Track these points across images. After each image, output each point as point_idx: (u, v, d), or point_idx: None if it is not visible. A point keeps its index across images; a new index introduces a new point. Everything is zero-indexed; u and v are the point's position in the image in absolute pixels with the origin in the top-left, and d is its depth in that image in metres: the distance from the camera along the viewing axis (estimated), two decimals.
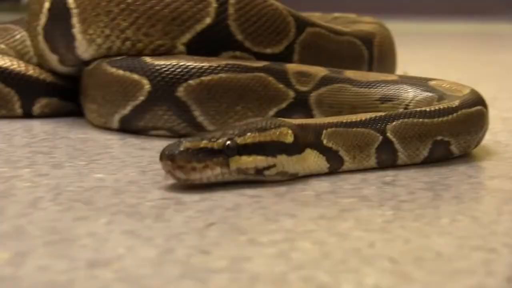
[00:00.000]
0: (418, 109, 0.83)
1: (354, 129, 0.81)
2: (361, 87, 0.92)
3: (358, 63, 1.09)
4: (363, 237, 0.61)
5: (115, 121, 0.96)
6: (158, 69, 0.92)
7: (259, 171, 0.74)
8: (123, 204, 0.69)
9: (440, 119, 0.82)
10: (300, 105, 0.91)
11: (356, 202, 0.71)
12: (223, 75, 0.91)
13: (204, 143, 0.71)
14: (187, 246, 0.59)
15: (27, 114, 1.13)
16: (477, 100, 0.86)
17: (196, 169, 0.70)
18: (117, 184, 0.77)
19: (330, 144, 0.80)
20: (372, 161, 0.82)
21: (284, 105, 0.92)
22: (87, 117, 1.04)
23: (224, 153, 0.71)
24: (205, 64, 0.92)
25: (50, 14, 0.99)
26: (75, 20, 0.97)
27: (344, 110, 0.91)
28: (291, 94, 0.92)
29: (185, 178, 0.70)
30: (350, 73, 0.94)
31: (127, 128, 0.95)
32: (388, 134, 0.81)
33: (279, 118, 0.78)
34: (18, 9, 4.45)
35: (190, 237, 0.61)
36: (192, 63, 0.92)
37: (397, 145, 0.82)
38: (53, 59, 1.03)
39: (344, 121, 0.82)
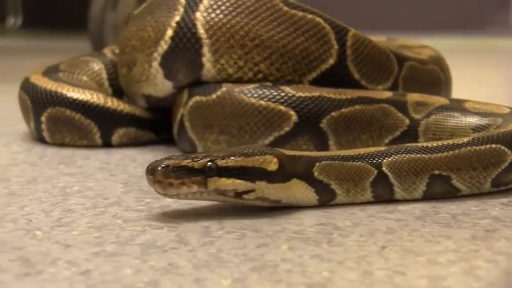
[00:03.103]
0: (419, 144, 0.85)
1: (350, 162, 0.83)
2: (465, 116, 0.97)
3: (438, 89, 1.16)
4: None
5: None
6: (304, 101, 0.97)
7: (238, 194, 0.76)
8: (289, 231, 0.74)
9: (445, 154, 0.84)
10: (411, 133, 0.97)
11: (493, 222, 0.77)
12: (357, 107, 0.97)
13: (185, 162, 0.75)
14: (380, 268, 0.64)
15: (106, 144, 1.17)
16: None
17: (173, 185, 0.74)
18: (264, 211, 0.81)
19: (321, 177, 0.81)
20: (368, 195, 0.83)
21: (398, 133, 0.98)
22: (198, 148, 1.06)
23: (203, 173, 0.75)
24: (343, 97, 0.97)
25: (174, 42, 1.03)
26: (205, 50, 1.02)
27: (443, 137, 0.97)
28: (406, 122, 0.98)
29: (163, 192, 0.75)
30: (469, 103, 0.99)
31: None
32: (384, 168, 0.83)
33: (271, 147, 0.81)
34: (3, 31, 4.44)
35: (375, 259, 0.66)
36: (332, 95, 0.97)
37: (392, 179, 0.84)
38: (164, 85, 1.07)
39: (341, 154, 0.84)
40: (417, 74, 1.11)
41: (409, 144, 0.85)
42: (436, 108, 0.98)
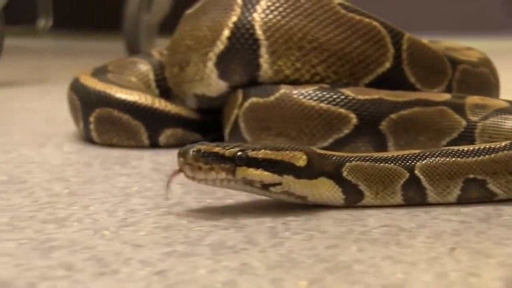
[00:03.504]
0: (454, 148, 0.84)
1: (381, 164, 0.82)
2: None
3: (489, 91, 1.16)
4: None
5: None
6: (364, 104, 0.97)
7: (264, 186, 0.78)
8: (355, 232, 0.74)
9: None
10: (468, 135, 0.97)
11: None
12: (415, 109, 0.97)
13: (217, 149, 0.76)
14: (453, 270, 0.64)
15: (154, 145, 1.18)
16: None
17: (202, 169, 0.75)
18: (328, 213, 0.81)
19: (350, 177, 0.81)
20: (398, 198, 0.83)
21: (455, 134, 0.97)
22: None
23: (233, 161, 0.76)
24: (401, 99, 0.97)
25: (230, 43, 1.04)
26: (263, 51, 1.02)
27: (499, 140, 0.96)
28: (463, 123, 0.97)
29: (191, 175, 0.76)
30: None
31: None
32: (416, 172, 0.82)
33: (303, 145, 0.82)
34: (34, 32, 4.48)
35: (446, 261, 0.66)
36: (391, 98, 0.97)
37: (425, 183, 0.83)
38: (218, 85, 1.08)
39: (373, 156, 0.83)
40: (470, 77, 1.11)
41: (444, 148, 0.85)
42: (495, 110, 0.97)
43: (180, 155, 0.76)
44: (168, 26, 3.26)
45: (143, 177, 0.99)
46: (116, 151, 1.16)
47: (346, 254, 0.68)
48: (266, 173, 0.77)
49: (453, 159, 0.83)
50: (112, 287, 0.60)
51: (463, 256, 0.67)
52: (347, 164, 0.82)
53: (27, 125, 1.40)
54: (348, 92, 0.98)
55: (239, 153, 0.76)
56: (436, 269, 0.64)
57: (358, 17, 1.02)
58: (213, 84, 1.08)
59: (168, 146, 1.19)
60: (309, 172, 0.79)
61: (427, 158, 0.83)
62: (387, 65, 1.02)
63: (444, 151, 0.83)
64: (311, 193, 0.80)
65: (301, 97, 1.00)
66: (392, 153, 0.85)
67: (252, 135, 1.05)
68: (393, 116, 0.97)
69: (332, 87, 1.00)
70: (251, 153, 0.77)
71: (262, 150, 0.78)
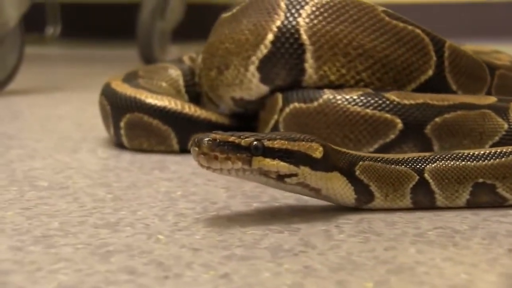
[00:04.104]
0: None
1: (392, 166, 0.82)
2: None
3: None
4: None
5: None
6: (409, 109, 0.97)
7: (280, 176, 0.76)
8: (410, 234, 0.75)
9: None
10: (509, 138, 0.97)
11: None
12: (459, 112, 0.97)
13: (232, 138, 0.75)
14: None
15: (183, 150, 1.18)
16: None
17: (218, 158, 0.74)
18: (378, 215, 0.81)
19: (362, 177, 0.80)
20: (407, 201, 0.82)
21: (497, 138, 0.97)
22: None
23: (249, 151, 0.75)
24: (445, 103, 0.98)
25: (274, 47, 1.04)
26: (308, 56, 1.02)
27: None
28: (505, 127, 0.97)
29: (206, 165, 0.74)
30: None
31: None
32: (425, 175, 0.82)
33: (317, 137, 0.80)
34: (42, 41, 4.48)
35: (507, 262, 0.66)
36: (435, 102, 0.98)
37: (434, 187, 0.82)
38: (260, 88, 1.08)
39: (385, 157, 0.83)
40: (507, 81, 1.11)
41: (455, 151, 0.84)
42: None
43: (195, 144, 0.74)
44: (179, 33, 3.28)
45: (184, 181, 0.99)
46: (151, 156, 1.16)
47: (406, 256, 0.68)
48: (282, 163, 0.76)
49: (463, 163, 0.82)
50: None
51: None
52: (360, 163, 0.81)
53: (58, 131, 1.41)
54: (393, 97, 0.99)
55: (255, 142, 0.75)
56: (498, 270, 0.64)
57: (401, 25, 1.03)
58: (254, 88, 1.08)
59: None
60: (325, 164, 0.78)
61: (437, 162, 0.82)
62: (430, 72, 1.03)
63: (453, 155, 0.83)
64: (326, 186, 0.79)
65: (346, 102, 1.00)
66: (403, 155, 0.84)
67: None
68: (437, 119, 0.97)
69: (377, 92, 1.00)
70: (267, 143, 0.76)
71: (278, 140, 0.76)
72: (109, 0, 4.63)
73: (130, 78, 1.30)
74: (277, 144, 0.76)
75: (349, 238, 0.73)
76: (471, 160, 0.83)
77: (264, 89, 1.08)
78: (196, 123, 1.18)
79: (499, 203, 0.84)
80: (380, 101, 0.98)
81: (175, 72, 1.33)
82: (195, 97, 1.34)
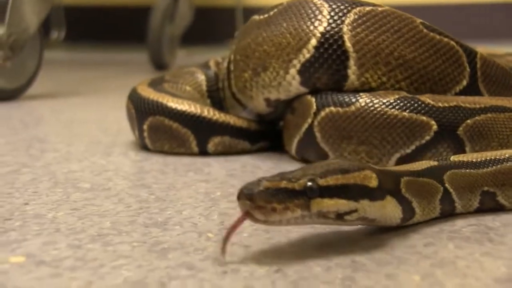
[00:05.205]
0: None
1: (422, 179, 0.80)
2: None
3: None
4: None
5: (392, 161, 1.05)
6: (443, 111, 1.02)
7: (339, 215, 0.70)
8: (447, 231, 0.79)
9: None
10: None
11: None
12: (489, 115, 1.02)
13: (284, 183, 0.67)
14: None
15: (203, 152, 1.22)
16: None
17: (277, 210, 0.66)
18: None
19: (407, 195, 0.77)
20: (437, 212, 0.81)
21: None
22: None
23: (305, 195, 0.68)
24: (477, 106, 1.02)
25: (317, 52, 1.08)
26: (351, 63, 1.07)
27: None
28: None
29: (264, 219, 0.66)
30: None
31: None
32: (447, 185, 0.82)
33: (360, 162, 0.78)
34: (47, 45, 4.51)
35: None
36: (467, 104, 1.02)
37: (455, 196, 0.83)
38: (299, 91, 1.12)
39: (412, 169, 0.81)
40: None
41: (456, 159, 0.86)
42: None
43: (246, 197, 0.66)
44: (186, 37, 3.32)
45: (221, 183, 1.03)
46: (182, 158, 1.20)
47: (446, 251, 0.72)
48: (341, 201, 0.69)
49: (471, 170, 0.84)
50: (239, 284, 0.64)
51: None
52: (402, 179, 0.77)
53: (86, 135, 1.45)
54: (428, 100, 1.03)
55: (309, 183, 0.68)
56: None
57: (438, 37, 1.08)
58: (293, 90, 1.12)
59: (217, 153, 1.23)
60: (380, 192, 0.73)
61: (450, 170, 0.83)
62: (464, 83, 1.08)
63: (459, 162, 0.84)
64: (380, 215, 0.73)
65: (383, 106, 1.04)
66: (419, 164, 0.84)
67: (331, 145, 1.09)
68: (469, 121, 1.01)
69: (411, 95, 1.04)
70: (322, 182, 0.69)
71: (331, 176, 0.70)
72: (114, 3, 4.67)
73: (156, 83, 1.35)
74: (331, 180, 0.69)
75: (390, 234, 0.78)
76: (476, 167, 0.85)
77: (303, 91, 1.12)
78: (213, 126, 1.23)
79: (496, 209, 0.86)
80: (416, 104, 1.03)
81: (200, 77, 1.38)
82: (218, 102, 1.38)
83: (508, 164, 0.85)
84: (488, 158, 0.86)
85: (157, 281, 0.65)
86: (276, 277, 0.66)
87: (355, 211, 0.70)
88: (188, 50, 3.64)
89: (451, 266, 0.68)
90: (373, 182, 0.72)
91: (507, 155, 0.86)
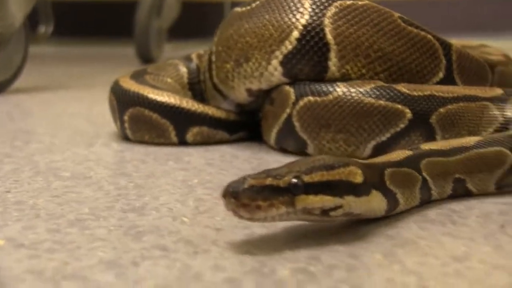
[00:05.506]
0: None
1: (403, 169, 0.81)
2: None
3: None
4: None
5: (368, 149, 1.08)
6: (417, 100, 1.05)
7: (325, 211, 0.70)
8: (414, 214, 0.82)
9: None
10: (503, 131, 1.03)
11: None
12: (461, 104, 1.05)
13: (269, 180, 0.68)
14: (508, 243, 0.72)
15: (182, 142, 1.25)
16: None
17: (261, 207, 0.67)
18: None
19: (391, 187, 0.78)
20: (417, 201, 0.83)
21: (491, 130, 1.05)
22: (310, 147, 1.14)
23: (290, 192, 0.68)
24: (450, 95, 1.06)
25: (299, 44, 1.11)
26: (332, 55, 1.10)
27: None
28: (499, 119, 1.05)
29: (249, 216, 0.67)
30: None
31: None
32: (424, 174, 0.83)
33: (346, 157, 0.78)
34: (35, 39, 4.52)
35: (499, 236, 0.74)
36: (441, 93, 1.06)
37: (431, 184, 0.85)
38: (281, 81, 1.15)
39: (394, 160, 0.82)
40: (504, 78, 1.20)
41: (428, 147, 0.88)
42: None
43: (231, 195, 0.66)
44: (174, 31, 3.34)
45: (199, 171, 1.06)
46: (164, 148, 1.23)
47: (409, 232, 0.75)
48: (326, 197, 0.70)
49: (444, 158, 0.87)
50: (209, 263, 0.67)
51: None
52: (386, 171, 0.78)
53: (71, 127, 1.47)
54: (404, 89, 1.06)
55: (294, 180, 0.68)
56: (493, 242, 0.72)
57: (415, 30, 1.11)
58: (275, 81, 1.15)
59: (196, 143, 1.26)
60: (365, 187, 0.73)
61: (425, 158, 0.84)
62: (441, 75, 1.11)
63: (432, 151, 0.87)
64: (366, 209, 0.74)
65: (360, 95, 1.07)
66: (398, 154, 0.85)
67: (310, 133, 1.12)
68: (442, 110, 1.05)
69: (387, 84, 1.07)
70: (307, 178, 0.69)
71: (316, 172, 0.70)
72: None
73: (138, 75, 1.37)
74: (316, 177, 0.70)
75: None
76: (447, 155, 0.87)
77: (285, 81, 1.15)
78: (192, 116, 1.26)
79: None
80: (392, 93, 1.06)
81: (182, 69, 1.41)
82: (199, 94, 1.41)
83: (474, 151, 0.88)
84: (456, 146, 0.89)
85: (131, 261, 0.68)
86: (244, 257, 0.69)
87: (340, 207, 0.71)
88: (174, 44, 3.66)
89: (413, 245, 0.71)
90: (358, 178, 0.73)
91: (472, 143, 0.89)
